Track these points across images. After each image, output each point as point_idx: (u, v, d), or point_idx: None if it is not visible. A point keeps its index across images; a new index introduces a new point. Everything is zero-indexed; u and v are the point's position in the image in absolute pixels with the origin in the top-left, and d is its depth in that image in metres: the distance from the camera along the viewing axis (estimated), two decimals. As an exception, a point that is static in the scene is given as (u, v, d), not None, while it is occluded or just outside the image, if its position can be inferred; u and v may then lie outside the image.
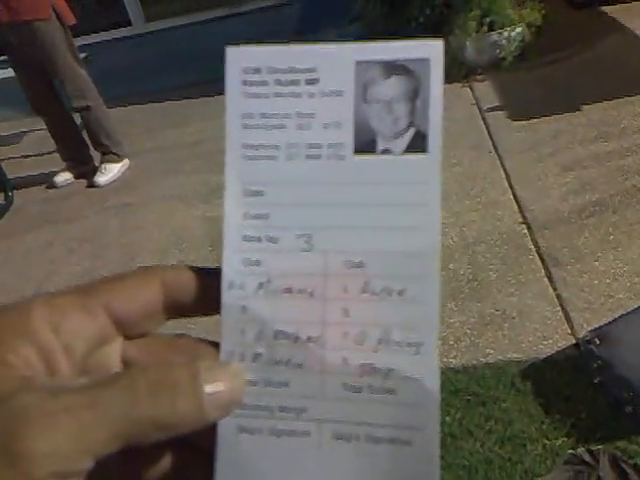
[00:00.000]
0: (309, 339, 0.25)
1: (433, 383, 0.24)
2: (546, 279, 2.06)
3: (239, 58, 0.26)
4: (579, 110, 3.06)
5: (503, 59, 3.77)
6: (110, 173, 3.55)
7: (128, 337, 0.26)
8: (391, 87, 0.24)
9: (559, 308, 1.93)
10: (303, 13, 5.51)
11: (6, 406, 0.21)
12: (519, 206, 2.47)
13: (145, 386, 0.22)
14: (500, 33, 3.78)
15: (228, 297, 0.26)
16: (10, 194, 3.58)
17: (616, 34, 3.81)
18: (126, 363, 0.25)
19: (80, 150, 3.65)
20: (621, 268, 2.02)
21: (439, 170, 0.24)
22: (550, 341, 1.82)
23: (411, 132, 0.24)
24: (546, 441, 1.52)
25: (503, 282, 2.09)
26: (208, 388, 0.23)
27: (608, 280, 1.98)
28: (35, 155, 3.90)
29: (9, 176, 3.64)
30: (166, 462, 0.25)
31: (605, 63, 3.50)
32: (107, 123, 3.53)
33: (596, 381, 1.61)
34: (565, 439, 1.52)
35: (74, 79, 3.35)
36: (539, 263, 2.14)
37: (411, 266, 0.24)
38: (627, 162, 2.58)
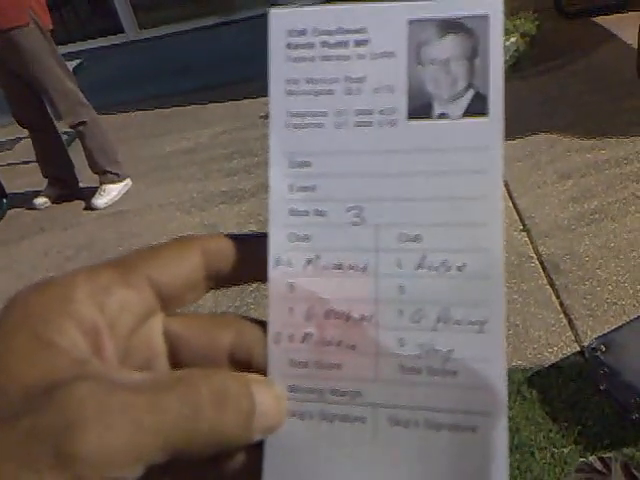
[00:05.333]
0: (362, 318, 0.23)
1: (499, 364, 0.22)
2: (548, 287, 2.07)
3: (283, 21, 0.24)
4: (574, 118, 3.09)
5: (498, 68, 3.80)
6: (109, 195, 3.32)
7: (167, 310, 0.24)
8: (447, 46, 0.23)
9: (562, 315, 1.94)
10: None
11: (61, 396, 0.19)
12: (519, 214, 2.49)
13: (208, 397, 0.20)
14: (495, 42, 3.82)
15: (275, 274, 0.24)
16: (4, 201, 3.54)
17: (609, 44, 3.86)
18: (169, 339, 0.24)
19: (64, 169, 3.42)
20: (623, 275, 2.03)
21: (501, 134, 0.22)
22: (555, 348, 1.82)
23: (470, 94, 0.23)
24: (554, 449, 1.52)
25: (506, 289, 2.10)
26: (259, 407, 0.22)
27: (610, 287, 2.00)
28: (29, 162, 3.85)
29: (3, 183, 3.60)
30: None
31: (598, 72, 3.54)
32: (104, 139, 3.28)
33: (602, 388, 1.61)
34: (573, 447, 1.52)
35: (63, 94, 3.06)
36: (541, 271, 2.15)
37: (472, 239, 0.22)
38: (624, 170, 2.60)
